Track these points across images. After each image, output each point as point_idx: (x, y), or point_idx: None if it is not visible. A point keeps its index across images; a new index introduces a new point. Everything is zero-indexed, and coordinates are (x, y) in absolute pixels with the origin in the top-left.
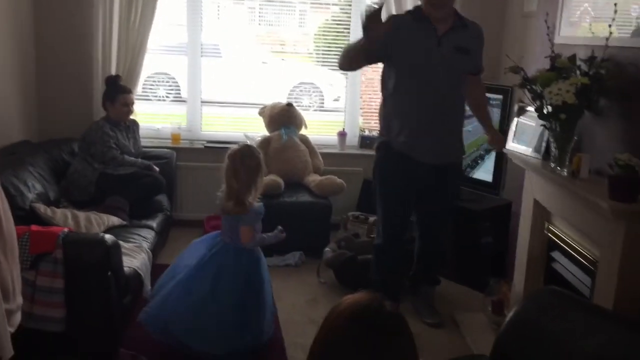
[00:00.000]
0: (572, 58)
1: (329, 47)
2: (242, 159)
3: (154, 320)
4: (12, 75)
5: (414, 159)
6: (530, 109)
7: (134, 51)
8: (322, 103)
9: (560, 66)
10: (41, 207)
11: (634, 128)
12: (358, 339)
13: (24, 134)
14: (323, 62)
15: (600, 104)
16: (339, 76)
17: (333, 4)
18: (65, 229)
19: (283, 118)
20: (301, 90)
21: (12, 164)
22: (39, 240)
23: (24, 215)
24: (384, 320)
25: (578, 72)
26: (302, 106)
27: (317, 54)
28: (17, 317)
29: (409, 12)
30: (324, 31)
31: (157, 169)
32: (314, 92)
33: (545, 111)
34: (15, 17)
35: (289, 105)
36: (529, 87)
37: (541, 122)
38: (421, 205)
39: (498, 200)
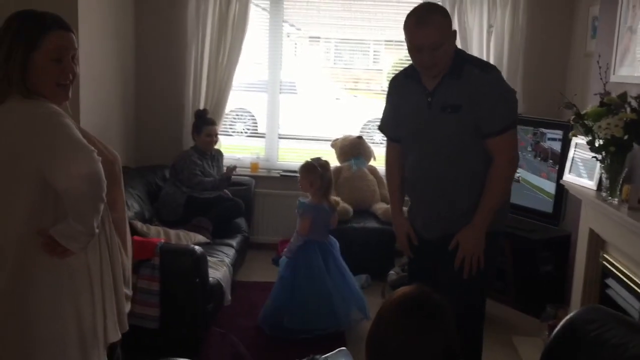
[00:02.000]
0: (623, 95)
1: None
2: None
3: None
4: (116, 109)
5: (417, 231)
6: (583, 141)
7: (220, 87)
8: None
9: (609, 103)
10: (138, 224)
11: None
12: (405, 325)
13: (124, 160)
14: None
15: None
16: None
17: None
18: (162, 240)
19: (353, 150)
20: (373, 126)
21: None
22: (140, 248)
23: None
24: (430, 308)
25: (628, 108)
26: (374, 141)
27: None
28: (129, 304)
29: (404, 69)
30: (396, 69)
31: (228, 193)
32: None
33: (596, 144)
34: (120, 56)
35: (359, 137)
36: (580, 122)
37: (593, 154)
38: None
39: (558, 231)
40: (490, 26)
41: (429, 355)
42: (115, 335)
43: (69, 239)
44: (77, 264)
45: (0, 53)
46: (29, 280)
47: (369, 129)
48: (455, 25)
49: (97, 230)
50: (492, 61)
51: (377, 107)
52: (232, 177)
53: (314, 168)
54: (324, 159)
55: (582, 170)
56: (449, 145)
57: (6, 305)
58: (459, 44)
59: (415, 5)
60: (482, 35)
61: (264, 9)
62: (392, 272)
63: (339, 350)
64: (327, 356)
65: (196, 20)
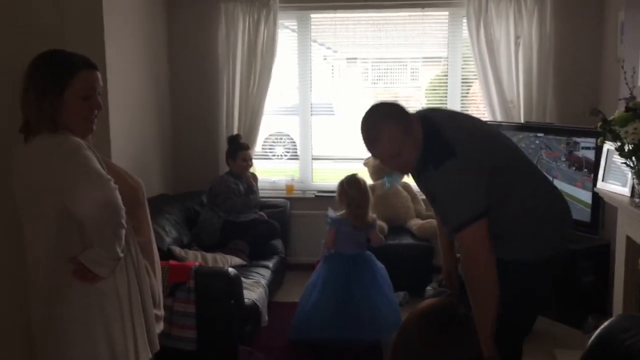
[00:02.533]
0: None
1: (440, 100)
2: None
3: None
4: (152, 139)
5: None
6: (611, 146)
7: (253, 112)
8: None
9: (634, 107)
10: (176, 249)
11: None
12: (427, 337)
13: (162, 188)
14: None
15: None
16: None
17: (444, 58)
18: (197, 263)
19: (386, 167)
20: None
21: (153, 213)
22: (176, 272)
23: (162, 255)
24: (453, 321)
25: None
26: None
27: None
28: (161, 325)
29: None
30: (434, 86)
31: (264, 215)
32: None
33: (625, 150)
34: (154, 86)
35: None
36: (608, 127)
37: (623, 160)
38: None
39: (597, 240)
40: (517, 37)
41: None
42: (146, 356)
43: (96, 264)
44: (106, 288)
45: (32, 93)
46: (62, 306)
47: None
48: (482, 38)
49: (121, 255)
50: (521, 73)
51: None
52: (267, 200)
53: (341, 184)
54: (360, 177)
55: (616, 177)
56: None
57: (43, 331)
58: (486, 56)
59: (446, 17)
60: (509, 46)
61: (293, 30)
62: (429, 287)
63: None
64: None
65: (226, 46)
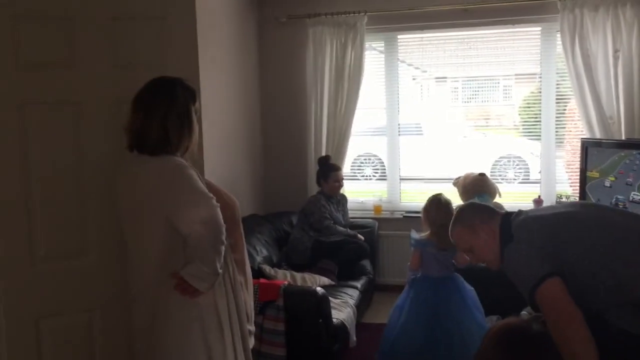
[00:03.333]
0: None
1: (535, 118)
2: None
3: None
4: (244, 163)
5: None
6: None
7: (340, 134)
8: (527, 175)
9: None
10: (267, 268)
11: None
12: (504, 355)
13: (253, 208)
14: (529, 133)
15: None
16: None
17: (538, 75)
18: (286, 282)
19: (476, 187)
20: (504, 163)
21: (244, 232)
22: (266, 290)
23: (253, 273)
24: (527, 339)
25: None
26: (507, 179)
27: (523, 126)
28: (252, 340)
29: None
30: (529, 103)
31: (362, 237)
32: (518, 164)
33: None
34: (246, 114)
35: (482, 174)
36: None
37: None
38: None
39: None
40: (616, 50)
41: None
42: None
43: (197, 279)
44: (205, 303)
45: (176, 120)
46: (165, 319)
47: (501, 166)
48: (577, 53)
49: (220, 270)
50: (620, 87)
51: (508, 143)
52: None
53: (425, 204)
54: (444, 197)
55: None
56: None
57: (147, 340)
58: (582, 71)
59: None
60: (607, 60)
61: (380, 51)
62: (524, 312)
63: None
64: None
65: (314, 69)
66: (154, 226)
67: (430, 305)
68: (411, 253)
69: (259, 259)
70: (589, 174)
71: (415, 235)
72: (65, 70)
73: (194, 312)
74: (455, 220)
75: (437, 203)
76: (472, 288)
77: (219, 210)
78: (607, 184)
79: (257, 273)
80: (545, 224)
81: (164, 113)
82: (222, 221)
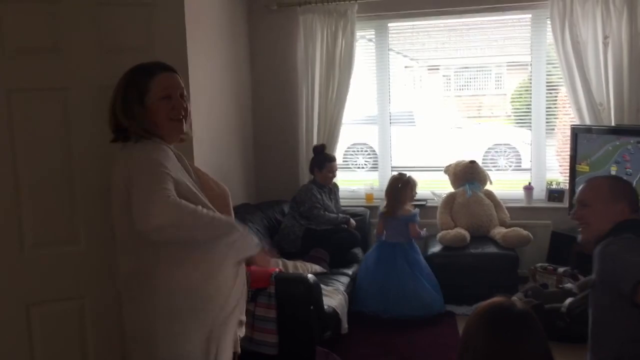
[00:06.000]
0: None
1: (527, 106)
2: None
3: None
4: (235, 151)
5: None
6: None
7: (331, 123)
8: (519, 163)
9: None
10: None
11: None
12: (488, 337)
13: (244, 197)
14: (521, 122)
15: None
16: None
17: (530, 64)
18: (277, 269)
19: (467, 174)
20: (496, 152)
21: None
22: (257, 277)
23: (246, 263)
24: (513, 318)
25: None
26: (498, 168)
27: (515, 115)
28: (243, 330)
29: None
30: (520, 92)
31: (354, 223)
32: (510, 152)
33: None
34: (237, 101)
35: (472, 162)
36: None
37: None
38: None
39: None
40: (605, 37)
41: None
42: (229, 355)
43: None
44: (180, 288)
45: (119, 105)
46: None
47: (493, 155)
48: (567, 40)
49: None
50: (610, 74)
51: (500, 132)
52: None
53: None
54: (403, 176)
55: None
56: None
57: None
58: (572, 59)
59: (529, 20)
60: (597, 47)
61: (369, 39)
62: (515, 298)
63: None
64: None
65: (305, 57)
66: (120, 215)
67: (383, 264)
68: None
69: None
70: (578, 167)
71: (381, 207)
72: (52, 56)
73: (179, 295)
74: (608, 179)
75: (393, 180)
76: (423, 258)
77: (176, 206)
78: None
79: (248, 262)
80: None
81: (114, 99)
82: (181, 213)
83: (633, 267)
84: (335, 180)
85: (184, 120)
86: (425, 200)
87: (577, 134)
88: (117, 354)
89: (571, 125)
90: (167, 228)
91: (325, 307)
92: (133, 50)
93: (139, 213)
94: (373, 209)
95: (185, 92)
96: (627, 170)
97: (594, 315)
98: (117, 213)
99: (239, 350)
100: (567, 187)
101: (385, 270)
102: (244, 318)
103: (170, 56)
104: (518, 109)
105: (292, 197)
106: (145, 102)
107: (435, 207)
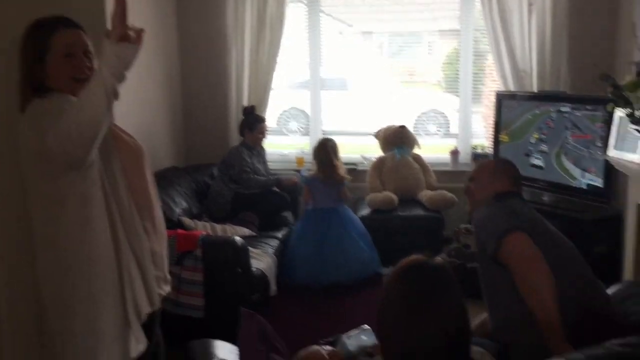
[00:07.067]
0: None
1: (456, 74)
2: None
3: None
4: (163, 110)
5: None
6: (622, 114)
7: (262, 86)
8: (448, 129)
9: None
10: (186, 220)
11: None
12: (404, 291)
13: (172, 160)
14: (451, 89)
15: None
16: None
17: (461, 31)
18: (204, 232)
19: (396, 139)
20: (427, 117)
21: (163, 184)
22: (183, 241)
23: (173, 226)
24: (427, 273)
25: None
26: (428, 132)
27: (445, 82)
28: (167, 288)
29: None
30: (451, 59)
31: (290, 178)
32: (440, 118)
33: (636, 116)
34: (164, 61)
35: (402, 126)
36: (618, 93)
37: (634, 126)
38: None
39: (609, 210)
40: (530, 4)
41: (432, 321)
42: (146, 307)
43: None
44: (87, 252)
45: (20, 64)
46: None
47: (423, 120)
48: (494, 8)
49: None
50: (534, 41)
51: (431, 98)
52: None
53: (314, 146)
54: (330, 140)
55: (627, 144)
56: None
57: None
58: (499, 26)
59: None
60: (522, 14)
61: (303, 3)
62: (439, 258)
63: (362, 329)
64: (351, 335)
65: (235, 20)
66: (30, 174)
67: (319, 231)
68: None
69: (178, 211)
70: (500, 137)
71: (304, 173)
72: None
73: (86, 247)
74: (495, 159)
75: (322, 145)
76: (357, 218)
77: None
78: (532, 140)
79: (177, 225)
80: (534, 217)
81: (23, 60)
82: (81, 127)
83: (493, 228)
84: (264, 144)
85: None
86: (355, 164)
87: (502, 100)
88: (31, 317)
89: (496, 91)
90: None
91: (254, 269)
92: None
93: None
94: (297, 174)
95: (91, 49)
96: (543, 136)
97: (482, 281)
98: (27, 172)
99: (158, 304)
100: (492, 152)
101: (321, 238)
102: (164, 275)
103: (88, 15)
104: (448, 75)
105: (222, 160)
106: (47, 61)
107: (365, 171)
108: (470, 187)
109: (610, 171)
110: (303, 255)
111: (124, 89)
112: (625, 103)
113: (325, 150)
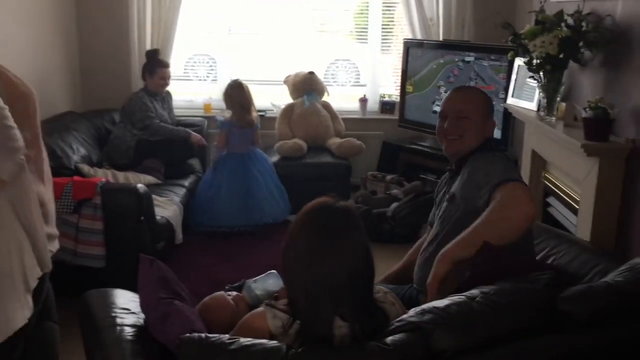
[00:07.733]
0: (559, 14)
1: (366, 24)
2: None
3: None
4: (57, 52)
5: None
6: (522, 62)
7: (166, 28)
8: (358, 79)
9: (543, 20)
10: (85, 167)
11: (610, 75)
12: (308, 230)
13: (68, 105)
14: (361, 38)
15: (585, 55)
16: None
17: None
18: (103, 179)
19: (305, 85)
20: (338, 66)
21: (58, 130)
22: (80, 188)
23: (69, 174)
24: (331, 214)
25: (565, 26)
26: (338, 82)
27: (356, 31)
28: (56, 244)
29: None
30: (362, 9)
31: (198, 137)
32: (350, 68)
33: (533, 64)
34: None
35: (311, 73)
36: (518, 42)
37: (530, 74)
38: None
39: (508, 156)
40: None
41: (335, 260)
42: (35, 273)
43: None
44: None
45: None
46: None
47: (335, 69)
48: None
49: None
50: None
51: (342, 48)
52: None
53: (226, 88)
54: (240, 80)
55: (524, 92)
56: None
57: None
58: None
59: None
60: None
61: None
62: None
63: (268, 273)
64: (257, 279)
65: None
66: None
67: (234, 177)
68: (218, 134)
69: (76, 158)
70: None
71: (220, 117)
72: None
73: None
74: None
75: (237, 86)
76: (271, 163)
77: None
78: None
79: (74, 173)
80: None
81: None
82: None
83: (496, 177)
84: (169, 89)
85: None
86: (264, 111)
87: (409, 48)
88: None
89: (404, 39)
90: None
91: (158, 218)
92: None
93: None
94: (211, 119)
95: None
96: (450, 84)
97: (441, 225)
98: None
99: (50, 266)
100: (399, 100)
101: (235, 183)
102: (53, 230)
103: None
104: (359, 24)
105: (122, 106)
106: None
107: (274, 118)
108: (462, 125)
109: (509, 119)
110: (215, 200)
111: (13, 31)
112: (523, 51)
113: (246, 91)
